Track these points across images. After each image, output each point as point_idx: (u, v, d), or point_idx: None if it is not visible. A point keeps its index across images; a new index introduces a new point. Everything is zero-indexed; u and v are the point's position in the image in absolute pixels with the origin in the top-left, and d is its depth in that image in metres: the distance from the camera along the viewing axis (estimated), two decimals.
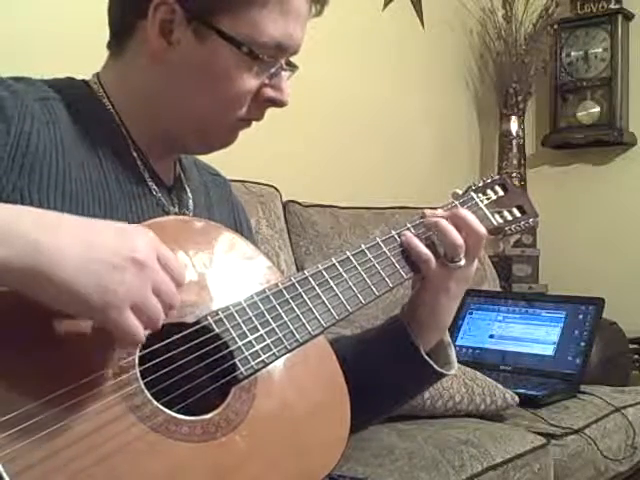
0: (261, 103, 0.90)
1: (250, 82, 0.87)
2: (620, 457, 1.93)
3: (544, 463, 1.69)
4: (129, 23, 0.89)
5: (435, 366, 1.00)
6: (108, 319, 0.66)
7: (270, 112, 0.93)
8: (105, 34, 0.92)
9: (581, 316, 2.15)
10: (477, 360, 2.16)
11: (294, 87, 0.91)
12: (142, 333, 0.68)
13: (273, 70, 0.88)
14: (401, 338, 1.00)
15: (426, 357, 0.99)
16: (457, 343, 2.25)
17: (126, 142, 0.90)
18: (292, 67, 0.91)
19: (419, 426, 1.67)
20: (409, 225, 0.98)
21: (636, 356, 2.57)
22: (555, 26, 3.10)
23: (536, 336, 2.19)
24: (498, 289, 2.69)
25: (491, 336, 2.25)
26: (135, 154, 0.90)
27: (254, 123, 0.94)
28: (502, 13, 3.13)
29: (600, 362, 2.21)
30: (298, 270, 2.00)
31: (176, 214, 0.93)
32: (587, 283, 2.84)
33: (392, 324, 1.03)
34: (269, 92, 0.89)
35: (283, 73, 0.90)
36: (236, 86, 0.87)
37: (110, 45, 0.92)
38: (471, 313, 2.32)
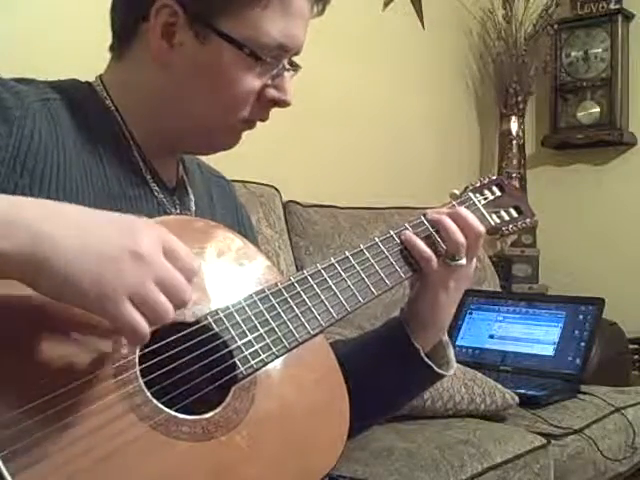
0: (264, 104, 0.90)
1: (252, 83, 0.87)
2: (620, 457, 1.92)
3: (544, 463, 1.69)
4: (131, 26, 0.89)
5: (434, 367, 1.00)
6: (105, 311, 0.64)
7: (271, 113, 0.93)
8: (107, 36, 0.92)
9: (581, 316, 2.15)
10: (477, 360, 2.16)
11: (295, 87, 0.91)
12: (144, 327, 0.65)
13: (275, 71, 0.88)
14: (401, 339, 1.00)
15: (425, 358, 0.99)
16: (457, 343, 2.25)
17: (128, 143, 0.90)
18: (295, 67, 0.91)
19: (419, 426, 1.67)
20: (407, 225, 0.99)
21: (636, 356, 2.57)
22: (555, 26, 3.10)
23: (536, 336, 2.19)
24: (498, 289, 2.69)
25: (491, 336, 2.25)
26: (137, 155, 0.91)
27: (257, 123, 0.94)
28: (502, 13, 3.13)
29: (600, 362, 2.21)
30: (298, 270, 1.99)
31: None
32: (587, 283, 2.84)
33: (391, 326, 1.03)
34: (272, 93, 0.90)
35: (286, 73, 0.90)
36: (238, 87, 0.87)
37: (113, 48, 0.93)
38: (471, 313, 2.31)
